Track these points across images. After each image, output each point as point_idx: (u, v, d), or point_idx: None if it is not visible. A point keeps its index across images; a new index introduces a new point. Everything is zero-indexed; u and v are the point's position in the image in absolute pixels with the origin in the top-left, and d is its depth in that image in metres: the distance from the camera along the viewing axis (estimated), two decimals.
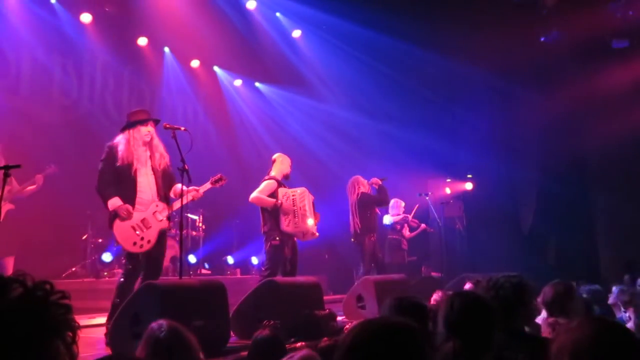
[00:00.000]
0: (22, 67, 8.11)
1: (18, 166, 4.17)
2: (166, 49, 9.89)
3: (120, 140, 4.74)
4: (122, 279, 4.69)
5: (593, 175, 9.97)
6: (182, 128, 4.95)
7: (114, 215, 4.60)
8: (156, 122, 4.93)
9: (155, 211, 4.72)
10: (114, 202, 4.57)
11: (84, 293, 6.26)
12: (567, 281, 3.12)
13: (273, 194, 5.84)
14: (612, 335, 1.46)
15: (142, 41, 9.37)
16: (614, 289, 4.35)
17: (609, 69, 9.28)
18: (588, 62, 9.43)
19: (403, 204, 8.91)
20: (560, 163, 9.75)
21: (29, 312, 0.80)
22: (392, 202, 8.43)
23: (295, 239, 5.96)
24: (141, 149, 4.75)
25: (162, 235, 4.78)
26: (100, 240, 7.77)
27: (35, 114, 7.82)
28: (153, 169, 4.79)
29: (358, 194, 7.34)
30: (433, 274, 9.28)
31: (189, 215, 8.47)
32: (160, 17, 8.79)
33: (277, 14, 10.06)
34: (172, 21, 8.88)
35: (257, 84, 11.31)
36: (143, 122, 4.79)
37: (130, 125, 4.79)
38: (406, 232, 9.10)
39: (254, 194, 5.86)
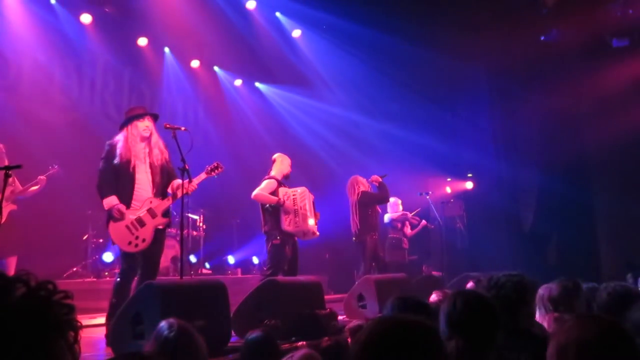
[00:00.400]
0: (23, 67, 8.12)
1: (19, 166, 4.17)
2: (166, 49, 9.89)
3: (119, 137, 4.73)
4: (118, 279, 4.66)
5: (594, 173, 9.96)
6: (183, 128, 4.96)
7: (109, 215, 4.59)
8: (154, 118, 4.90)
9: (150, 207, 4.67)
10: (110, 201, 4.55)
11: (85, 293, 6.26)
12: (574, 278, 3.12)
13: (273, 194, 5.85)
14: (617, 335, 1.46)
15: (142, 41, 9.38)
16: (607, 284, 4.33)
17: (609, 68, 9.28)
18: (588, 61, 9.43)
19: (400, 202, 8.91)
20: (561, 162, 9.74)
21: (31, 311, 0.80)
22: (391, 200, 8.43)
23: (296, 238, 5.97)
24: (140, 145, 4.72)
25: (159, 233, 4.73)
26: (101, 240, 7.78)
27: (35, 114, 7.82)
28: (151, 165, 4.76)
29: (358, 193, 7.34)
30: (434, 273, 9.27)
31: (190, 215, 8.48)
32: (160, 18, 8.79)
33: (277, 14, 10.06)
34: (172, 21, 8.89)
35: (257, 84, 11.31)
36: (140, 117, 4.78)
37: (127, 121, 4.78)
38: (408, 230, 9.10)
39: (256, 191, 5.87)
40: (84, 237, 7.82)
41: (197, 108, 10.76)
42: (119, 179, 4.63)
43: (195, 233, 8.93)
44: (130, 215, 4.59)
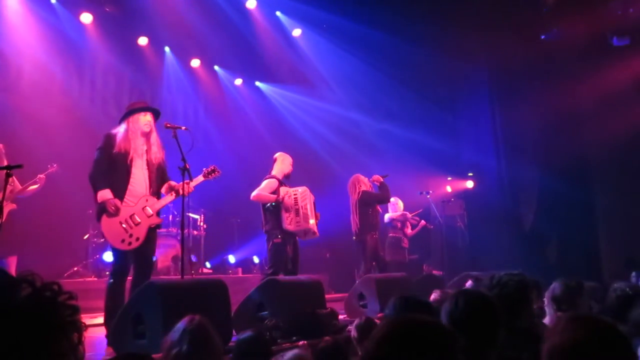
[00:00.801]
0: (23, 67, 8.12)
1: (20, 166, 4.17)
2: (167, 49, 9.90)
3: (119, 129, 4.65)
4: (110, 280, 4.49)
5: (594, 173, 9.95)
6: (183, 127, 4.92)
7: (102, 208, 4.43)
8: (155, 114, 4.83)
9: (145, 206, 4.58)
10: (104, 195, 4.41)
11: (86, 292, 6.23)
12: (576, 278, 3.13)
13: (274, 193, 5.85)
14: (611, 336, 1.46)
15: (143, 41, 9.38)
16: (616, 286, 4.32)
17: (610, 66, 9.26)
18: (589, 60, 9.41)
19: (401, 203, 8.90)
20: (561, 161, 9.72)
21: (37, 312, 0.80)
22: (392, 199, 8.43)
23: (297, 237, 5.97)
24: (139, 139, 4.64)
25: (151, 232, 4.62)
26: (102, 240, 7.77)
27: (35, 114, 7.83)
28: (148, 162, 4.67)
29: (359, 192, 7.34)
30: (434, 272, 9.28)
31: (191, 214, 8.48)
32: (160, 17, 8.79)
33: (277, 13, 10.05)
34: (172, 21, 8.88)
35: (257, 83, 11.32)
36: (142, 111, 4.72)
37: (129, 113, 4.70)
38: (408, 230, 9.10)
39: (254, 192, 5.87)
40: (85, 237, 7.82)
41: (197, 107, 10.77)
42: (114, 171, 4.51)
43: (195, 232, 8.94)
44: (125, 212, 4.48)
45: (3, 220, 4.73)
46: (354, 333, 3.16)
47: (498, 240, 9.97)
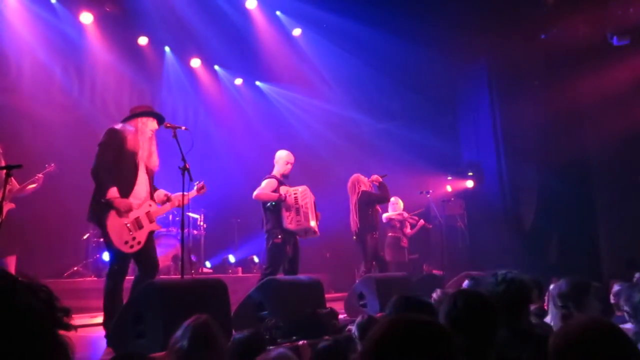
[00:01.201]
0: (23, 66, 8.12)
1: (19, 166, 4.16)
2: (167, 48, 9.90)
3: (125, 126, 4.60)
4: (108, 281, 4.40)
5: (594, 172, 9.94)
6: (183, 127, 4.91)
7: (109, 205, 4.33)
8: (160, 122, 4.83)
9: (149, 211, 4.59)
10: (114, 192, 4.34)
11: (85, 292, 6.25)
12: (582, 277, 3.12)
13: (275, 192, 5.86)
14: (616, 338, 1.45)
15: (143, 40, 9.38)
16: (616, 286, 4.32)
17: (610, 66, 9.25)
18: (589, 60, 9.40)
19: (401, 203, 8.90)
20: (561, 160, 9.72)
21: (33, 313, 0.80)
22: (392, 199, 8.43)
23: (297, 236, 5.98)
24: (146, 143, 4.64)
25: (150, 236, 4.61)
26: (101, 240, 7.77)
27: (35, 114, 7.83)
28: (147, 168, 4.68)
29: (359, 192, 7.34)
30: (434, 271, 9.27)
31: (190, 214, 8.48)
32: (160, 17, 8.79)
33: (277, 13, 10.05)
34: (172, 21, 8.88)
35: (257, 83, 11.32)
36: (151, 116, 4.73)
37: (140, 114, 4.67)
38: (407, 229, 9.10)
39: (256, 192, 5.89)
40: (85, 237, 7.82)
41: (197, 107, 10.77)
42: (121, 169, 4.46)
43: (195, 232, 8.94)
44: (132, 214, 4.47)
45: (2, 219, 4.74)
46: (355, 332, 3.16)
47: (498, 240, 9.96)
